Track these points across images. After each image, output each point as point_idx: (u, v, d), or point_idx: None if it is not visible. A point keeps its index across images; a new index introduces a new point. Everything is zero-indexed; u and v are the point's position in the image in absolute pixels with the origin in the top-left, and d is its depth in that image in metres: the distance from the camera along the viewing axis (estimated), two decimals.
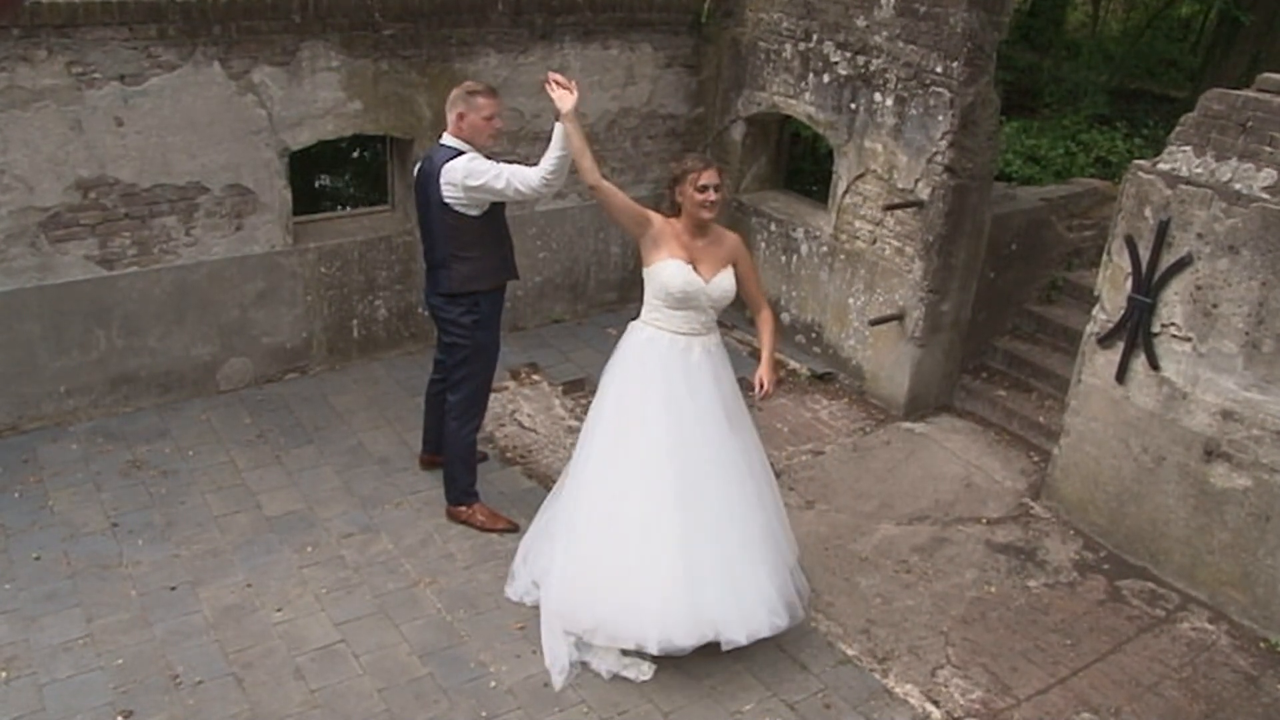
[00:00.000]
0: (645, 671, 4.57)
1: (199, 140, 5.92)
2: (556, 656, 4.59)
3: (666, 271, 4.53)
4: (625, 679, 4.54)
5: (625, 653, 4.59)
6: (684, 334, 4.61)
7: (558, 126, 4.68)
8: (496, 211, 5.10)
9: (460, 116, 4.92)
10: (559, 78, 4.66)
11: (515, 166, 4.88)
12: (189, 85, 5.79)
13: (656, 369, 4.60)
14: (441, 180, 4.87)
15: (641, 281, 4.67)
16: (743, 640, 4.55)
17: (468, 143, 4.93)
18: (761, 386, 4.64)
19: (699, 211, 4.53)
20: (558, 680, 4.51)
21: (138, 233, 5.93)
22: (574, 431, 5.46)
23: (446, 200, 4.90)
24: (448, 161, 4.86)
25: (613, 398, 4.70)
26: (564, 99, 4.60)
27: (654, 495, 4.54)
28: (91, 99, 5.56)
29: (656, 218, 4.60)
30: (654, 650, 4.49)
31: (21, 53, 5.32)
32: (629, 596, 4.50)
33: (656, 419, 4.57)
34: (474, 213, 4.97)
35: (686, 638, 4.49)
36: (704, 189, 4.49)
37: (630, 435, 4.60)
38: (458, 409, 5.31)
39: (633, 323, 4.74)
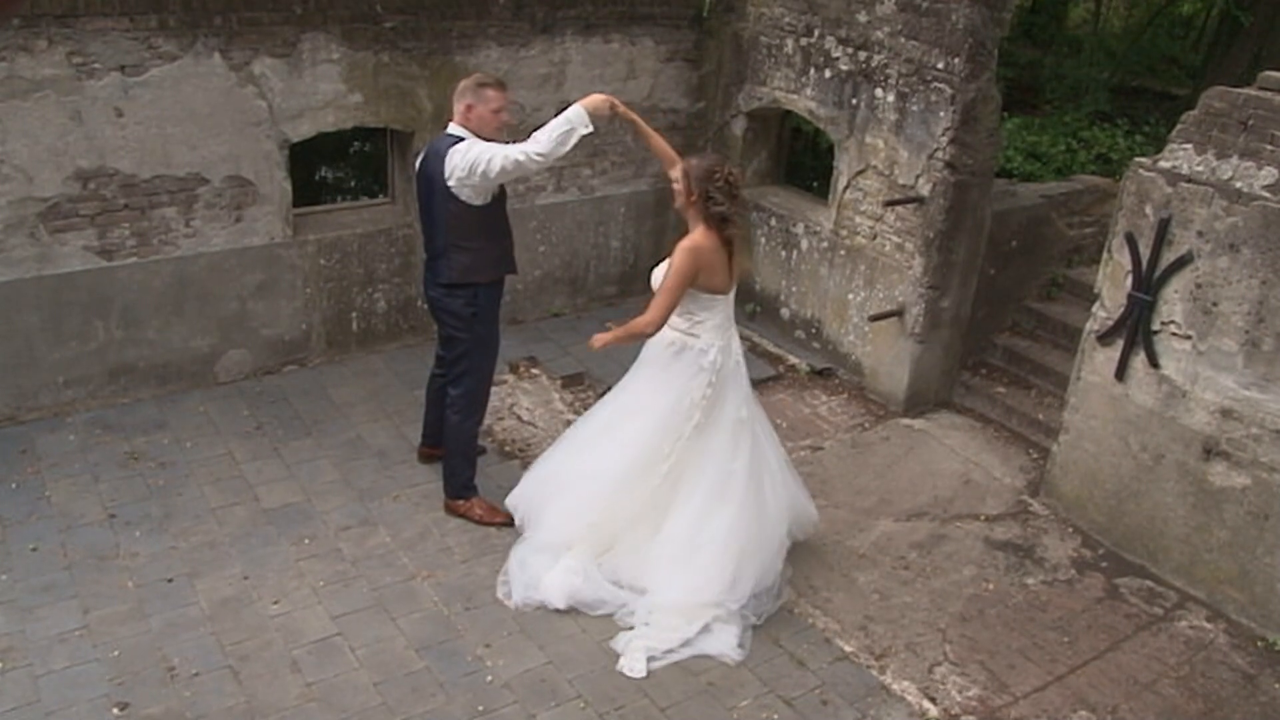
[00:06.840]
0: (639, 670, 4.57)
1: (199, 131, 5.91)
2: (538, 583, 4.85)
3: None
4: (622, 672, 4.57)
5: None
6: None
7: (576, 108, 4.86)
8: (499, 203, 5.11)
9: (468, 108, 4.93)
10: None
11: (510, 145, 4.90)
12: (189, 76, 5.78)
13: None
14: (446, 166, 4.87)
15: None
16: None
17: (473, 133, 4.94)
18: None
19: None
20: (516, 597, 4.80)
21: (137, 224, 5.91)
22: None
23: (450, 186, 4.90)
24: (453, 147, 4.88)
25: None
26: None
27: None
28: (91, 89, 5.55)
29: None
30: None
31: (22, 43, 5.31)
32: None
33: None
34: (478, 202, 4.97)
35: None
36: None
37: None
38: (459, 403, 5.31)
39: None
